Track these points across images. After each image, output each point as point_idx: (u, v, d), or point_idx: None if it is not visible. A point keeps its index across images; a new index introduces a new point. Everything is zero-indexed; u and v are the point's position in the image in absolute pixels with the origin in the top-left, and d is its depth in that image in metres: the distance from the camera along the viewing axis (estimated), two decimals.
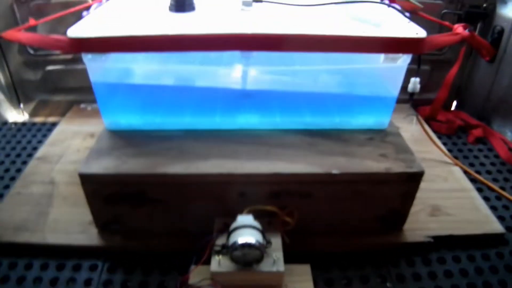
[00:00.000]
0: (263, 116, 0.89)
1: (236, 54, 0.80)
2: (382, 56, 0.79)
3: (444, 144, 1.17)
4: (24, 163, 1.07)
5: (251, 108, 0.88)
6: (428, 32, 0.75)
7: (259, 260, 0.68)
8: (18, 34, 0.79)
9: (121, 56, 0.79)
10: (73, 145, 1.11)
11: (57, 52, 1.22)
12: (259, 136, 0.85)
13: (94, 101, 1.28)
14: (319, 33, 0.72)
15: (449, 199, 0.94)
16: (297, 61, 0.82)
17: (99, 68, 0.80)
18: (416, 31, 0.75)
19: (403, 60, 0.79)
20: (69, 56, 1.23)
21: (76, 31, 0.72)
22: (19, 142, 1.18)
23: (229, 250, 0.67)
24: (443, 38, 0.82)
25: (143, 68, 0.84)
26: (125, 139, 0.84)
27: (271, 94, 0.87)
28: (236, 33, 0.70)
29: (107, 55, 0.76)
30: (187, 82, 0.87)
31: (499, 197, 0.98)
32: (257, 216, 0.73)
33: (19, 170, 1.04)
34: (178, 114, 0.88)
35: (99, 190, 0.77)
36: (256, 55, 0.80)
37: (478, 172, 1.06)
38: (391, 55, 0.78)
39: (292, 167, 0.76)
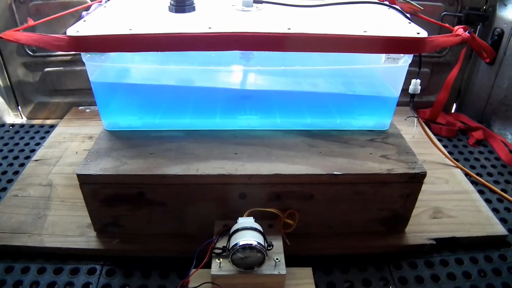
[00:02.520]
0: (263, 117, 0.88)
1: (236, 54, 0.79)
2: (383, 56, 0.79)
3: (445, 146, 1.17)
4: (22, 165, 1.06)
5: (252, 109, 0.88)
6: (429, 34, 0.74)
7: (261, 263, 0.68)
8: (17, 34, 0.78)
9: (121, 55, 0.78)
10: (71, 148, 1.11)
11: (56, 53, 1.21)
12: (259, 137, 0.84)
13: (92, 103, 1.30)
14: (320, 33, 0.71)
15: (450, 202, 0.93)
16: (297, 62, 0.82)
17: (98, 68, 0.80)
18: (417, 31, 0.74)
19: (404, 61, 0.79)
20: (67, 58, 1.23)
21: (76, 30, 0.71)
22: (16, 144, 1.17)
23: (230, 252, 0.67)
24: (443, 38, 0.82)
25: (142, 68, 0.83)
26: (124, 140, 0.83)
27: (272, 95, 0.87)
28: (236, 32, 0.70)
29: (106, 55, 0.76)
30: (187, 83, 0.86)
31: (500, 199, 0.98)
32: (258, 218, 0.72)
33: (16, 173, 1.03)
34: (178, 115, 0.87)
35: (98, 191, 0.76)
36: (256, 55, 0.80)
37: (479, 175, 1.06)
38: (392, 56, 0.78)
39: (293, 168, 0.75)
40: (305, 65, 0.82)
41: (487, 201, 0.96)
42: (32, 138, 1.20)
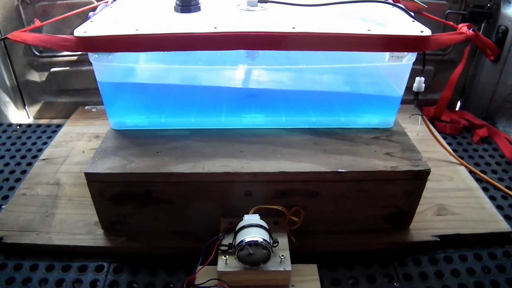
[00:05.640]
0: (268, 115, 0.89)
1: (242, 53, 0.80)
2: (387, 54, 0.79)
3: (449, 144, 1.17)
4: (29, 164, 1.07)
5: (257, 107, 0.88)
6: (433, 32, 0.75)
7: (266, 259, 0.68)
8: (24, 35, 0.80)
9: (127, 55, 0.79)
10: (78, 147, 1.12)
11: (62, 53, 1.22)
12: (265, 135, 0.85)
13: (98, 102, 1.31)
14: (324, 31, 0.72)
15: (455, 199, 0.94)
16: (302, 61, 0.82)
17: (105, 68, 0.80)
18: (421, 29, 0.75)
19: (408, 59, 0.80)
20: (74, 58, 1.24)
21: (83, 30, 0.72)
22: (24, 143, 1.18)
23: (236, 249, 0.67)
24: (447, 36, 0.82)
25: (149, 67, 0.84)
26: (131, 138, 0.84)
27: (277, 94, 0.88)
28: (241, 32, 0.71)
29: (113, 55, 0.77)
30: (192, 82, 0.87)
31: (505, 197, 0.98)
32: (263, 216, 0.73)
33: (24, 172, 1.05)
34: (184, 114, 0.88)
35: (105, 190, 0.77)
36: (261, 54, 0.80)
37: (484, 172, 1.06)
38: (396, 54, 0.79)
39: (298, 166, 0.76)
40: (310, 64, 0.83)
41: (492, 198, 0.96)
42: (39, 137, 1.21)
